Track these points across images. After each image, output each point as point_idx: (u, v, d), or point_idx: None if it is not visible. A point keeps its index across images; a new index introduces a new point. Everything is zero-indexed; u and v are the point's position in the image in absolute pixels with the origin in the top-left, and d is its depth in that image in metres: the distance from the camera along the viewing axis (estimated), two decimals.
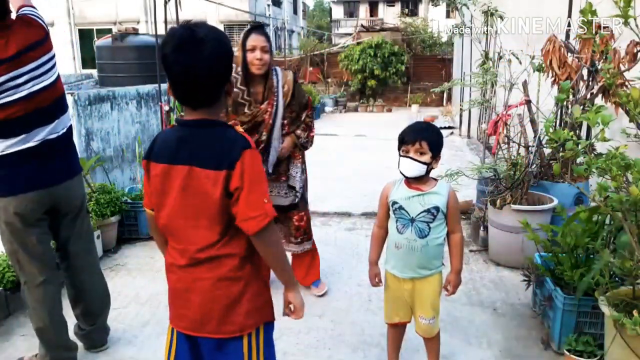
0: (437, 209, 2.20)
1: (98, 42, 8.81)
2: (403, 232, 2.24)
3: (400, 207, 2.24)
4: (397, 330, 2.47)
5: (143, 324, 3.06)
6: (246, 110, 2.93)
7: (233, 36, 21.62)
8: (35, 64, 2.25)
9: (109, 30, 12.96)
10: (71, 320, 2.69)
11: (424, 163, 2.17)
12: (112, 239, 4.28)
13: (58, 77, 2.41)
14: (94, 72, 10.09)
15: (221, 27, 21.35)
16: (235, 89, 2.88)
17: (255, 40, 2.87)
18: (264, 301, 1.65)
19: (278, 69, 3.06)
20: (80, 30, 21.25)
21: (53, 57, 2.37)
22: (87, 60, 19.73)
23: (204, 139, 1.51)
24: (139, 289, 3.52)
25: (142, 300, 3.36)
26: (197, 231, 1.53)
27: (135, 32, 8.42)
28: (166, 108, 4.99)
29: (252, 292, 1.59)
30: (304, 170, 3.27)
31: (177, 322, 1.65)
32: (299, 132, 3.14)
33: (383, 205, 2.33)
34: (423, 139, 2.17)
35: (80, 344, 2.70)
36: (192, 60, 1.42)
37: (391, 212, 2.29)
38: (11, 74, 2.18)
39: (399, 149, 2.25)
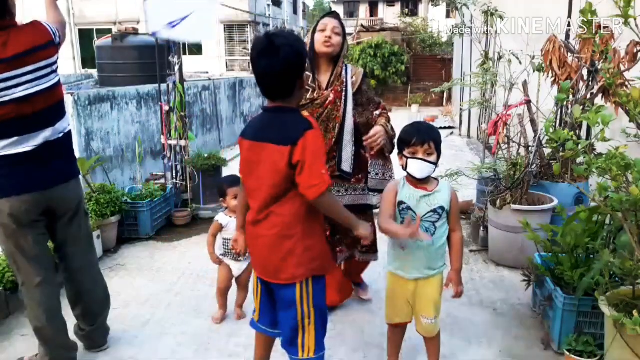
0: (442, 208, 2.21)
1: (98, 42, 8.84)
2: None
3: (408, 208, 2.22)
4: (397, 331, 2.47)
5: (143, 324, 3.06)
6: (308, 95, 2.79)
7: (233, 36, 21.66)
8: (32, 67, 2.25)
9: (109, 30, 12.99)
10: (71, 320, 2.69)
11: (433, 163, 2.18)
12: (112, 239, 4.28)
13: (58, 83, 2.39)
14: (94, 72, 10.11)
15: (221, 27, 21.36)
16: None
17: (327, 21, 2.80)
18: (313, 257, 1.96)
19: (348, 64, 2.97)
20: (80, 30, 21.23)
21: (54, 63, 2.36)
22: (87, 60, 19.70)
23: (277, 121, 1.92)
24: (139, 289, 3.53)
25: (142, 300, 3.36)
26: (262, 193, 1.92)
27: (135, 32, 8.44)
28: (166, 108, 4.97)
29: (302, 248, 1.93)
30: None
31: (255, 269, 2.13)
32: (383, 121, 2.88)
33: (391, 203, 2.24)
34: (431, 139, 2.17)
35: (80, 344, 2.70)
36: (269, 63, 1.83)
37: (396, 213, 2.26)
38: (6, 75, 2.18)
39: (400, 151, 2.23)
